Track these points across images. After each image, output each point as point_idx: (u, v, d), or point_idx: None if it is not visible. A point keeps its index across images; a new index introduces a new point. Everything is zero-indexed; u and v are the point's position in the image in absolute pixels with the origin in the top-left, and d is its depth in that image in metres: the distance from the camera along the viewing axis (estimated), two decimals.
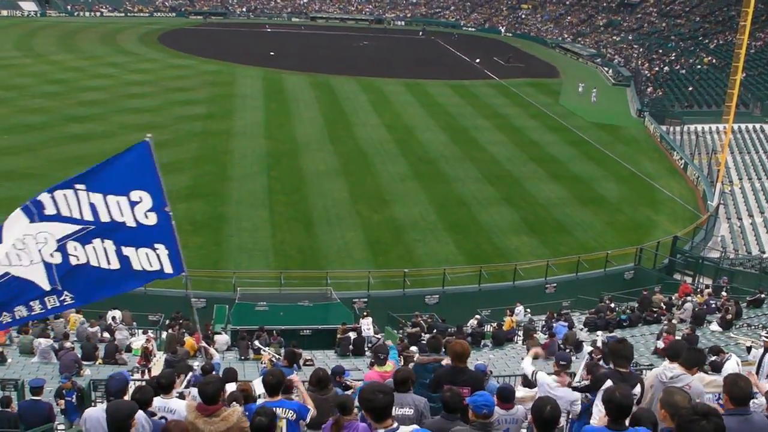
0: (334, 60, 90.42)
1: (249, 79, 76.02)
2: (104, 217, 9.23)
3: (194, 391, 9.08)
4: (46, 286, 9.20)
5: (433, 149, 52.88)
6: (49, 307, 9.44)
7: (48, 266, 9.15)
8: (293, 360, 13.09)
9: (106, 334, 22.54)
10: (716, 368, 12.31)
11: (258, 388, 10.17)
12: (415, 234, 37.42)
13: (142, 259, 9.55)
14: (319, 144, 52.59)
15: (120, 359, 20.17)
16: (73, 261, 9.22)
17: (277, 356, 16.08)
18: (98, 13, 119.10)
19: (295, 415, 7.99)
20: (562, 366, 9.54)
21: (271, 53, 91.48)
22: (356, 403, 7.60)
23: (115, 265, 9.39)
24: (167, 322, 25.30)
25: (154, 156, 9.56)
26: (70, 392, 13.20)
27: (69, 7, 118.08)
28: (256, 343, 21.22)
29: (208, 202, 39.73)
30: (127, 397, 7.75)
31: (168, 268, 9.71)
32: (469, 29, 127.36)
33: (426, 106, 67.56)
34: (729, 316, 24.68)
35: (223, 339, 23.30)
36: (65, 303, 9.57)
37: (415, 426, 6.59)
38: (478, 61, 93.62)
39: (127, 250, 9.44)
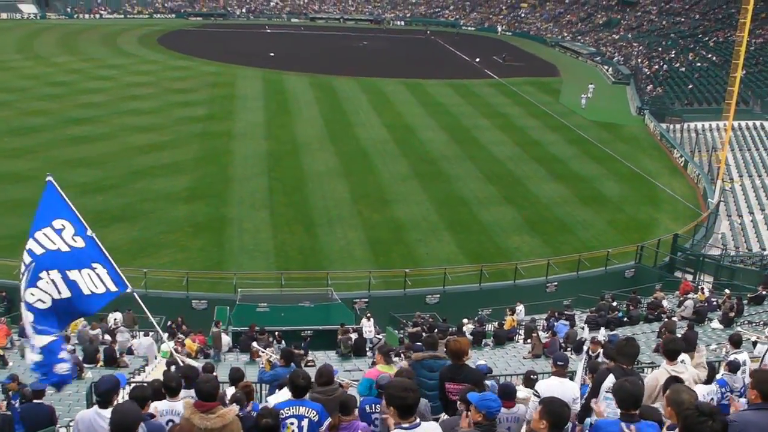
0: (334, 60, 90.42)
1: (249, 80, 76.04)
2: (38, 251, 9.69)
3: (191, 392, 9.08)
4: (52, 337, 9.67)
5: (433, 149, 52.90)
6: (67, 356, 9.95)
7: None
8: (290, 360, 13.08)
9: (108, 337, 22.55)
10: (734, 368, 12.27)
11: (274, 399, 9.82)
12: (417, 234, 37.44)
13: (88, 282, 9.93)
14: (319, 144, 52.62)
15: (121, 361, 20.17)
16: (41, 305, 9.62)
17: (275, 356, 16.06)
18: (98, 15, 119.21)
19: (317, 416, 7.98)
20: (560, 366, 9.55)
21: (271, 54, 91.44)
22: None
23: (65, 293, 9.72)
24: (168, 323, 25.33)
25: (60, 191, 10.19)
26: (16, 395, 11.84)
27: (69, 9, 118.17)
28: (254, 344, 21.23)
29: (210, 204, 39.76)
30: (119, 398, 7.74)
31: (112, 287, 10.14)
32: (469, 28, 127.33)
33: (426, 106, 67.56)
34: (731, 314, 24.68)
35: (225, 340, 23.30)
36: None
37: (434, 423, 6.61)
38: (478, 60, 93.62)
39: (73, 274, 9.79)
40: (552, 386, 8.75)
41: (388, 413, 6.50)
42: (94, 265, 10.01)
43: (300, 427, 7.63)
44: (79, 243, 9.97)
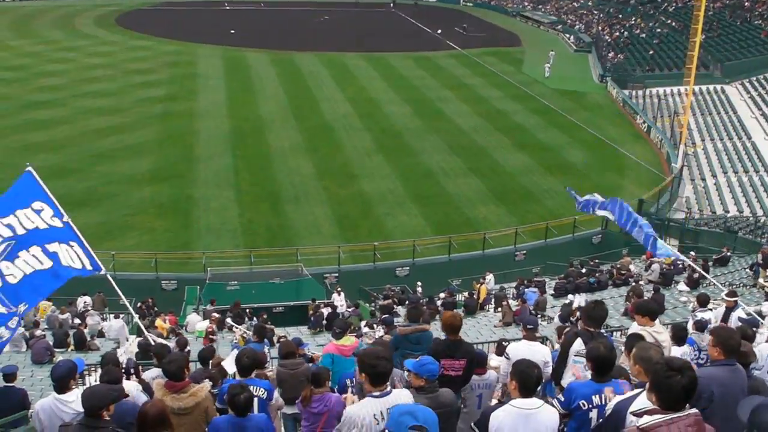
0: (295, 36, 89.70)
1: (210, 59, 75.18)
2: (20, 230, 9.94)
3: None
4: (3, 310, 9.57)
5: (398, 122, 52.83)
6: (13, 327, 9.81)
7: None
8: (263, 335, 13.14)
9: (77, 320, 22.35)
10: (701, 327, 12.47)
11: (229, 367, 10.15)
12: (384, 207, 37.47)
13: (66, 256, 10.21)
14: (283, 121, 52.30)
15: (92, 345, 19.99)
16: (11, 280, 9.65)
17: (249, 332, 16.10)
18: None
19: (265, 394, 8.07)
20: (530, 330, 9.63)
21: (231, 31, 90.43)
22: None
23: (47, 263, 9.96)
24: (139, 305, 25.16)
25: (40, 180, 10.48)
26: None
27: None
28: (228, 320, 21.19)
29: (174, 185, 39.42)
30: (93, 381, 7.70)
31: (88, 265, 10.49)
32: (430, 0, 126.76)
33: (389, 79, 67.37)
34: (696, 275, 25.03)
35: (195, 319, 23.17)
36: (21, 312, 9.90)
37: (406, 390, 6.67)
38: (439, 32, 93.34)
39: (52, 246, 10.11)
40: (520, 349, 8.79)
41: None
42: (72, 243, 10.36)
43: None
44: (57, 223, 10.32)
